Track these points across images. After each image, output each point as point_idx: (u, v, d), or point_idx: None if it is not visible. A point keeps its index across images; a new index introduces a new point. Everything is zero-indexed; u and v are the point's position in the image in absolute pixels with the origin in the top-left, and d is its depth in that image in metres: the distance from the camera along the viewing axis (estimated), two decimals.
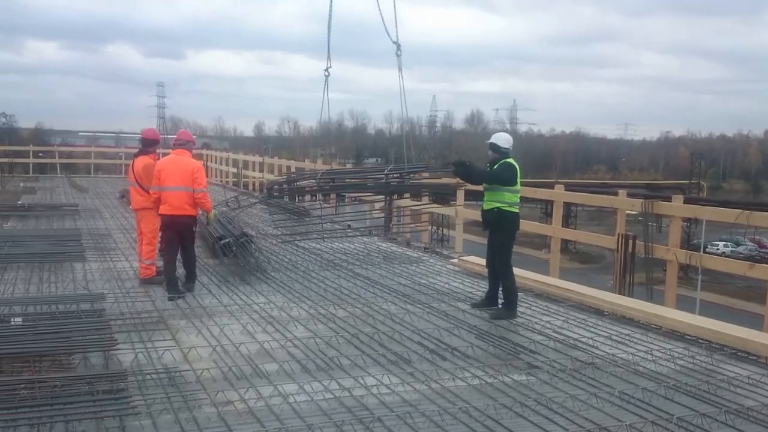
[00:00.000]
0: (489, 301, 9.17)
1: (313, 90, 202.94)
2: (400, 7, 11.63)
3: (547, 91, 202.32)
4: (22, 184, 28.71)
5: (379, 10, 11.70)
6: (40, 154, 39.99)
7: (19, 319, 7.46)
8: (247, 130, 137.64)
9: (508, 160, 8.83)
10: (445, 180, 13.33)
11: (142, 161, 10.27)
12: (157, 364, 6.48)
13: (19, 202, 20.59)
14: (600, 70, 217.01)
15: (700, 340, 7.76)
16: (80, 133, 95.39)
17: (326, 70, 12.82)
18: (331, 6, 12.35)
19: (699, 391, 6.13)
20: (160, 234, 10.06)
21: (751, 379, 6.50)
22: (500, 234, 8.97)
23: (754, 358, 7.17)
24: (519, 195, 8.98)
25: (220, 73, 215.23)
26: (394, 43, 11.93)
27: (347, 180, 13.36)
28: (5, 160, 34.51)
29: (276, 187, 14.77)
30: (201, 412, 5.36)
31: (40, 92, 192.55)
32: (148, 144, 10.72)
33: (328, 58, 12.77)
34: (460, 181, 10.42)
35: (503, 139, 8.98)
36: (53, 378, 5.76)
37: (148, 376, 6.08)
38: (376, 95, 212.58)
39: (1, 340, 6.53)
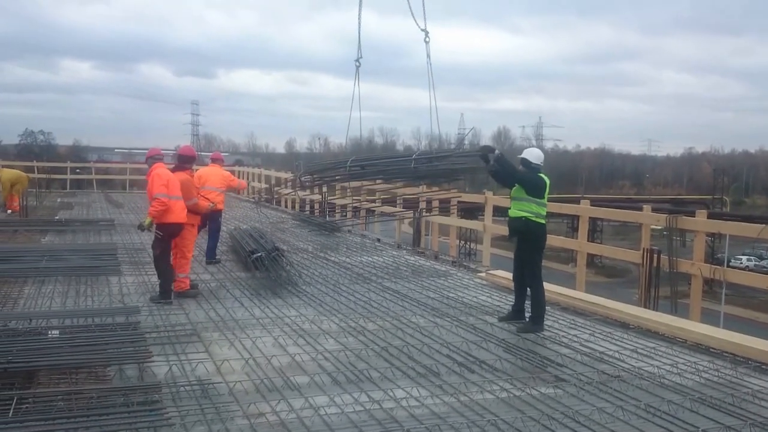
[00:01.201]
0: (516, 314, 9.19)
1: (342, 108, 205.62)
2: (427, 27, 11.81)
3: (570, 109, 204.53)
4: (59, 200, 29.13)
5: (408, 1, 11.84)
6: (77, 171, 40.65)
7: (56, 332, 7.57)
8: (279, 146, 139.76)
9: (538, 174, 8.87)
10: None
11: (179, 177, 10.47)
12: (190, 376, 6.58)
13: (57, 217, 20.95)
14: (622, 88, 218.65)
15: (724, 353, 7.74)
16: (116, 150, 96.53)
17: (357, 60, 12.93)
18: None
19: (724, 403, 6.12)
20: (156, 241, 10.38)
21: None
22: (528, 246, 9.00)
23: None
24: (546, 209, 8.99)
25: (251, 91, 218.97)
26: (422, 30, 12.04)
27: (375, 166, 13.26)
28: (43, 176, 35.06)
29: (308, 176, 14.76)
30: (233, 424, 5.45)
31: (77, 110, 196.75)
32: (185, 160, 10.93)
33: (359, 48, 12.88)
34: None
35: (534, 155, 9.01)
36: (89, 390, 5.88)
37: (182, 388, 6.17)
38: (404, 113, 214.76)
39: (39, 352, 6.64)
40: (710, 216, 13.32)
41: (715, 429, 5.45)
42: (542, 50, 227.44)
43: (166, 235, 10.06)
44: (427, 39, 12.16)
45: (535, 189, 8.77)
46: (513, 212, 8.96)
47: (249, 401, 5.89)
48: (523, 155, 9.06)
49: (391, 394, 6.22)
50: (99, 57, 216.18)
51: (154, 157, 10.39)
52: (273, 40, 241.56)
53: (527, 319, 8.96)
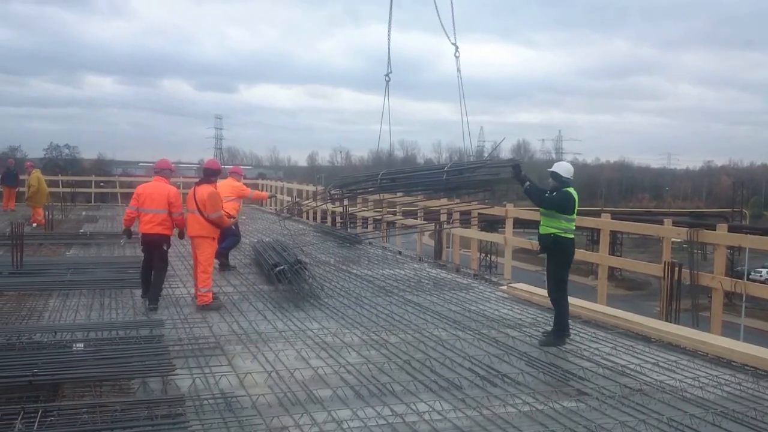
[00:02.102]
0: None
1: (362, 122, 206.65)
2: (445, 42, 11.96)
3: (588, 122, 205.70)
4: (84, 213, 29.33)
5: (437, 12, 11.97)
6: (102, 184, 40.91)
7: (81, 345, 7.65)
8: (301, 160, 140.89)
9: (567, 189, 8.85)
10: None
11: (206, 189, 10.56)
12: (214, 389, 6.62)
13: (82, 231, 21.12)
14: (639, 101, 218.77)
15: (746, 367, 7.70)
16: (140, 164, 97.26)
17: (387, 75, 13.02)
18: (391, 8, 12.67)
19: (746, 417, 6.08)
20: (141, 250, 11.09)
21: None
22: (554, 260, 8.99)
23: None
24: (575, 223, 8.98)
25: (272, 105, 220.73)
26: (452, 44, 12.16)
27: (407, 179, 13.31)
28: (68, 189, 35.36)
29: (337, 190, 14.85)
30: None
31: (101, 124, 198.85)
32: (211, 174, 11.03)
33: (389, 62, 12.98)
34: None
35: (564, 169, 9.02)
36: (113, 402, 5.92)
37: (206, 402, 6.21)
38: (423, 126, 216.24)
39: (63, 365, 6.72)
40: (730, 229, 13.22)
41: None
42: (559, 64, 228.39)
43: (141, 243, 10.97)
44: (457, 54, 12.27)
45: (565, 208, 8.77)
46: (543, 229, 8.97)
47: (272, 415, 5.91)
48: (553, 169, 9.06)
49: (413, 407, 6.23)
50: (121, 72, 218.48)
51: (153, 169, 11.21)
52: (293, 55, 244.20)
53: (549, 332, 8.93)
